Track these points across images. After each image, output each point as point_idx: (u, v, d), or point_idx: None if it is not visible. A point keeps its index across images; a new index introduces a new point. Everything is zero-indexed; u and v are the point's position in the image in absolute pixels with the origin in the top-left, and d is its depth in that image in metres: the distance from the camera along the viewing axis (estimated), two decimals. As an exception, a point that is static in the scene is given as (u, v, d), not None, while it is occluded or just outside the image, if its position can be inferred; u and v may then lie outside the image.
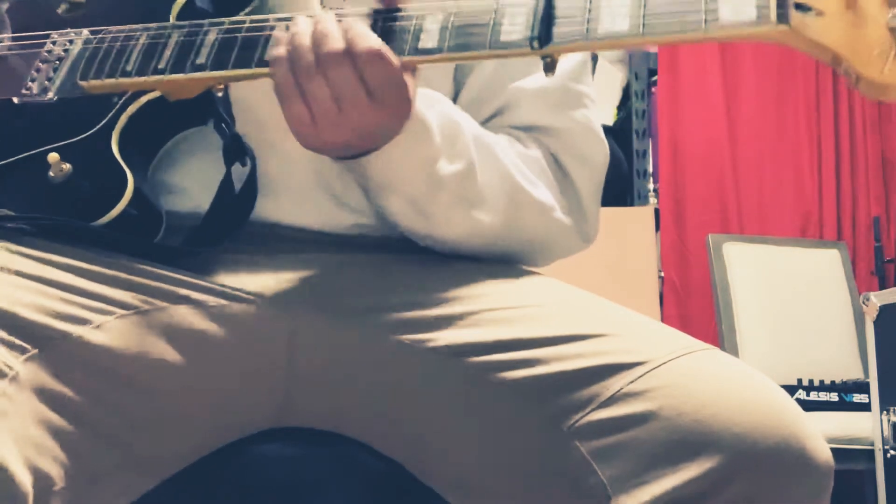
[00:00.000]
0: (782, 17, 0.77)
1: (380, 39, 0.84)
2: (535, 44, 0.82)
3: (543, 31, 0.82)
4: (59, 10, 0.98)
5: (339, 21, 0.85)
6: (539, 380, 0.86)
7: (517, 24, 0.83)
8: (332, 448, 0.94)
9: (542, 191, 1.03)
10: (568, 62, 1.08)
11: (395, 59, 0.84)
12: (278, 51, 0.85)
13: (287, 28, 0.87)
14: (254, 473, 0.93)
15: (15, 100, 0.94)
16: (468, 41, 0.84)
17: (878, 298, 2.78)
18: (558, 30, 0.82)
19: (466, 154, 0.96)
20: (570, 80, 1.08)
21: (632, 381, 0.83)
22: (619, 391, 0.83)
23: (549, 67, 0.83)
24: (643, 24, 0.79)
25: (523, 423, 0.86)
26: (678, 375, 0.83)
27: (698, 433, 0.80)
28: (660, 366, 0.84)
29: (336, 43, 0.83)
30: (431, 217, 0.96)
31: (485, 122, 1.04)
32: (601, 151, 1.09)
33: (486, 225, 0.98)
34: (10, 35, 0.99)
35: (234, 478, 0.93)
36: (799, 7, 0.77)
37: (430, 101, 0.92)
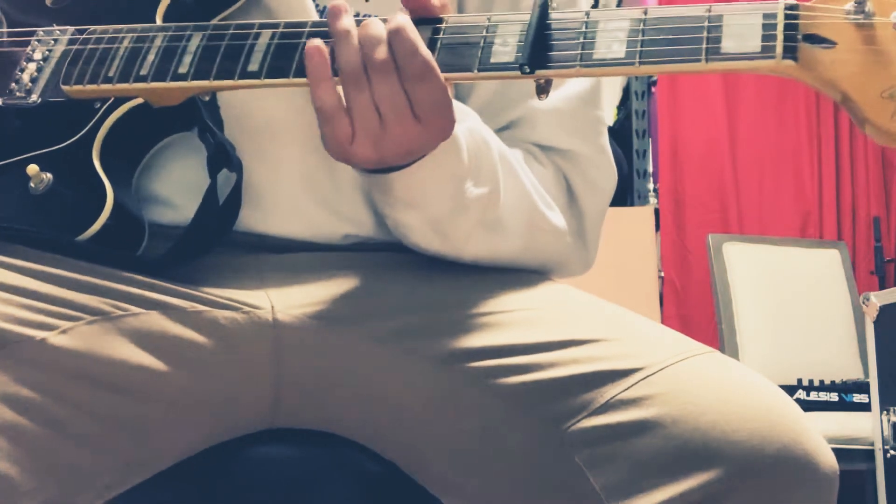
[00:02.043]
0: (789, 51, 0.72)
1: (430, 52, 0.80)
2: (526, 68, 0.78)
3: (535, 55, 0.78)
4: (48, 1, 0.97)
5: (386, 26, 0.81)
6: (533, 386, 0.85)
7: (509, 44, 0.80)
8: (328, 449, 0.94)
9: (556, 214, 1.01)
10: (582, 84, 1.06)
11: (442, 76, 0.80)
12: (319, 63, 0.81)
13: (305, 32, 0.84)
14: (249, 474, 0.93)
15: (0, 101, 0.93)
16: (455, 61, 0.81)
17: (878, 298, 2.78)
18: (551, 54, 0.78)
19: (493, 177, 0.93)
20: (585, 105, 1.06)
21: (626, 389, 0.82)
22: (612, 398, 0.82)
23: (542, 90, 0.80)
24: (640, 52, 0.76)
25: (517, 428, 0.85)
26: (675, 382, 0.82)
27: (697, 442, 0.78)
28: (656, 372, 0.82)
29: (383, 52, 0.80)
30: (450, 237, 0.94)
31: (497, 133, 1.01)
32: (611, 179, 1.08)
33: (503, 248, 0.97)
34: None
35: (230, 478, 0.93)
36: (809, 39, 0.72)
37: (459, 115, 0.88)
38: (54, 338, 0.80)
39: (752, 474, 0.78)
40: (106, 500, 0.87)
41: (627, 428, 0.80)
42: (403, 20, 0.81)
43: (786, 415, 0.81)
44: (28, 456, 0.78)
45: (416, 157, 0.85)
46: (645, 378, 0.82)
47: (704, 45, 0.74)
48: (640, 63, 0.76)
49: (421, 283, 0.95)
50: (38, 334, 0.80)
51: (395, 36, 0.80)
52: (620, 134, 3.95)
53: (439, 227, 0.93)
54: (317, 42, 0.82)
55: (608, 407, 0.82)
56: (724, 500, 0.78)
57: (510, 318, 0.90)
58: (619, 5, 4.02)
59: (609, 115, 4.09)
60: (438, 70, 0.80)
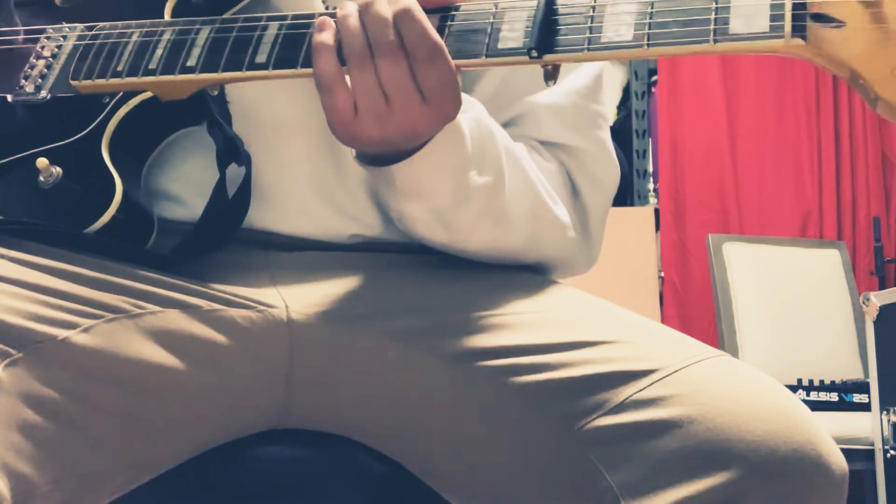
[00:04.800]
0: (798, 30, 0.72)
1: (439, 36, 0.80)
2: (534, 53, 0.78)
3: (543, 40, 0.78)
4: (58, 1, 0.98)
5: (392, 8, 0.81)
6: (548, 385, 0.85)
7: (516, 30, 0.80)
8: (332, 449, 0.94)
9: (560, 208, 1.01)
10: (581, 79, 1.06)
11: (451, 60, 0.80)
12: (324, 36, 0.82)
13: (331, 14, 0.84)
14: (254, 474, 0.92)
15: (9, 97, 0.93)
16: (463, 48, 0.81)
17: (878, 298, 2.79)
18: (559, 38, 0.79)
19: (498, 167, 0.93)
20: (585, 100, 1.06)
21: (642, 389, 0.82)
22: (628, 398, 0.82)
23: (550, 76, 0.80)
24: (648, 35, 0.76)
25: (531, 427, 0.85)
26: (691, 383, 0.82)
27: (714, 442, 0.79)
28: (671, 374, 0.83)
29: (390, 34, 0.80)
30: (454, 228, 0.94)
31: None
32: (614, 175, 1.08)
33: (507, 240, 0.97)
34: (3, 29, 0.98)
35: (235, 479, 0.93)
36: (817, 18, 0.72)
37: (465, 105, 0.87)
38: (76, 336, 0.80)
39: (768, 475, 0.78)
40: (112, 499, 0.87)
41: (644, 427, 0.81)
42: (410, 2, 0.81)
43: (799, 417, 0.81)
44: (47, 457, 0.77)
45: (421, 139, 0.85)
46: (661, 379, 0.82)
47: (712, 26, 0.74)
48: (649, 45, 0.76)
49: (432, 283, 0.95)
50: (61, 333, 0.79)
51: (403, 18, 0.80)
52: (620, 134, 3.94)
53: (443, 218, 0.93)
54: (326, 16, 0.83)
55: (624, 407, 0.82)
56: (740, 500, 0.78)
57: (524, 319, 0.90)
58: None
59: (609, 115, 4.10)
60: (447, 51, 0.80)
